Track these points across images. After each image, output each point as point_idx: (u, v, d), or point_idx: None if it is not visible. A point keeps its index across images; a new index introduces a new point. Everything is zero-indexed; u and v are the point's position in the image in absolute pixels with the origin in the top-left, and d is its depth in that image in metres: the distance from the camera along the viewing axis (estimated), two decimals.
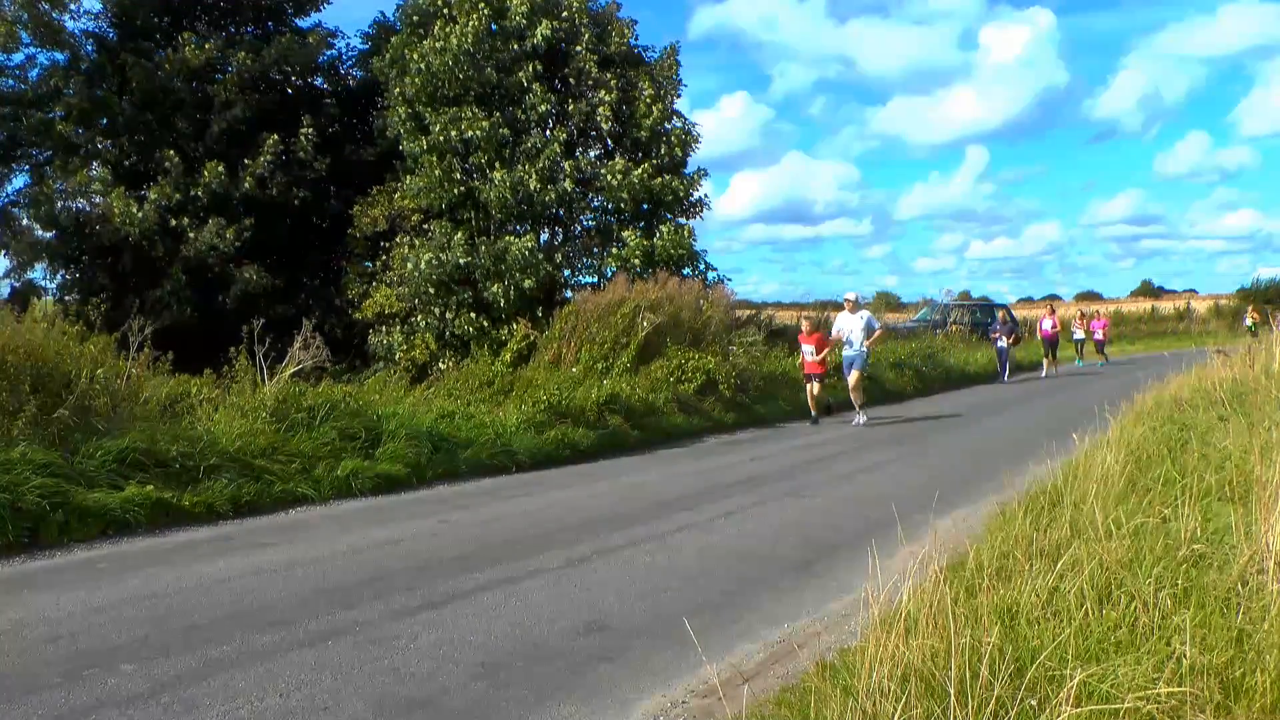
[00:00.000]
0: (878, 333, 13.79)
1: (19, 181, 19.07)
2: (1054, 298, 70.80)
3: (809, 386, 13.57)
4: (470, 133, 17.38)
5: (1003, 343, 21.97)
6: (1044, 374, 22.56)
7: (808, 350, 13.38)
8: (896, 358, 19.15)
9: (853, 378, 13.23)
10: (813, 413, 13.57)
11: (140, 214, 17.10)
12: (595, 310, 14.37)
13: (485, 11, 17.81)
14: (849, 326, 13.41)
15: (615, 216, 18.90)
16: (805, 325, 13.74)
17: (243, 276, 17.91)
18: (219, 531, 6.74)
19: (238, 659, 4.16)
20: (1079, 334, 26.10)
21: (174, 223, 17.70)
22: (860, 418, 13.30)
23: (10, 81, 18.24)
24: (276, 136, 18.42)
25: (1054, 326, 23.00)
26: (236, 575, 5.52)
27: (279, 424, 8.45)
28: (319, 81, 21.78)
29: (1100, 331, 26.52)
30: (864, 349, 13.37)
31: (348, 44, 22.14)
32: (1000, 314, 24.59)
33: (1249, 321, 32.15)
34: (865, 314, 13.59)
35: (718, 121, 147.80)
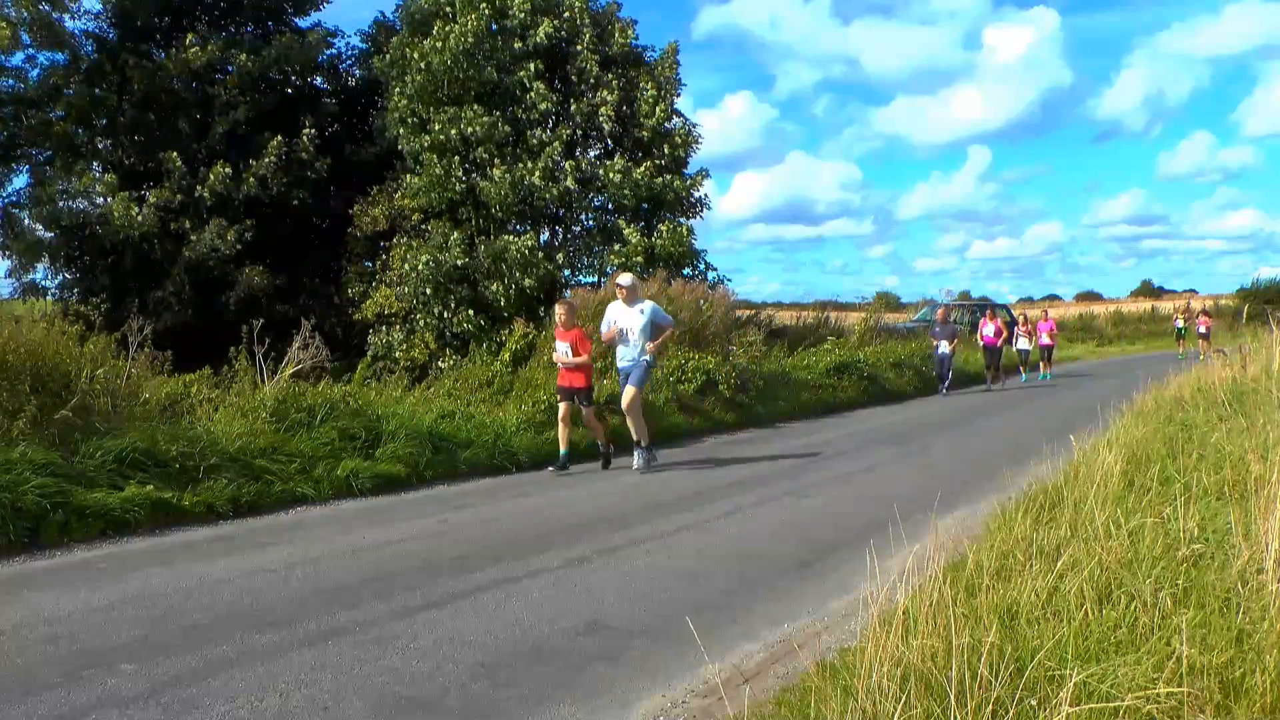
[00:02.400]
0: (667, 332, 9.76)
1: (19, 181, 19.10)
2: (1054, 298, 70.79)
3: (560, 408, 9.38)
4: (471, 129, 17.40)
5: (944, 348, 18.18)
6: (988, 385, 19.56)
7: (562, 350, 9.31)
8: (896, 358, 19.16)
9: (627, 396, 9.28)
10: (561, 450, 9.36)
11: (140, 217, 17.13)
12: (589, 308, 14.32)
13: (485, 11, 17.83)
14: (626, 322, 9.43)
15: (616, 215, 18.93)
16: (561, 313, 9.41)
17: (244, 277, 17.93)
18: (219, 531, 6.74)
19: (238, 659, 4.16)
20: (1024, 343, 22.09)
21: (174, 225, 17.72)
22: (639, 458, 9.37)
23: (10, 81, 18.26)
24: (280, 138, 18.45)
25: (998, 333, 19.67)
26: (236, 575, 5.52)
27: (279, 424, 8.45)
28: (318, 81, 21.81)
29: (1046, 335, 22.25)
30: (645, 355, 9.34)
31: (347, 44, 22.20)
32: (940, 311, 19.90)
33: (1179, 323, 29.60)
34: (648, 304, 9.54)
35: (721, 121, 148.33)
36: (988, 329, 19.84)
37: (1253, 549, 4.10)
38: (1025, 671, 2.98)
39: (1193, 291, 69.21)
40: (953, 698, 2.85)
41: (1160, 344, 35.61)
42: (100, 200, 17.65)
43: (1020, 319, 22.50)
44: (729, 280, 19.62)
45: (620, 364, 9.66)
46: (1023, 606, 3.67)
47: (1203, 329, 28.11)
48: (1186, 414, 8.91)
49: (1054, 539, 4.52)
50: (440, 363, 17.08)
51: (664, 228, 18.30)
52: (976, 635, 3.13)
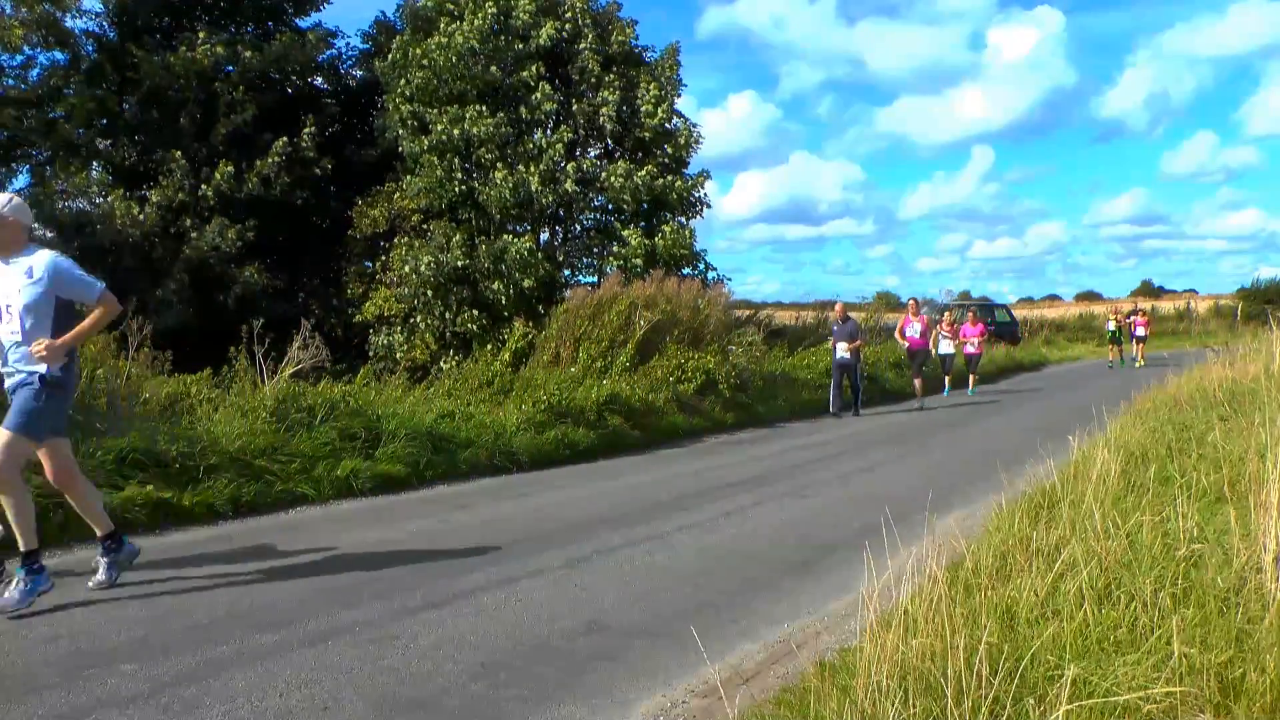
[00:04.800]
0: (94, 316, 5.04)
1: (20, 181, 19.10)
2: (1054, 298, 70.71)
3: None
4: (474, 129, 17.42)
5: (843, 352, 14.57)
6: (919, 404, 15.89)
7: None
8: (896, 357, 19.14)
9: None
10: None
11: (142, 216, 17.14)
12: (588, 308, 14.34)
13: (491, 10, 17.87)
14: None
15: (616, 216, 18.94)
16: None
17: (244, 277, 17.94)
18: (219, 531, 6.74)
19: (238, 659, 4.17)
20: (947, 346, 18.07)
21: (176, 224, 17.72)
22: (103, 566, 5.22)
23: (10, 81, 18.29)
24: (285, 139, 18.47)
25: (924, 334, 16.22)
26: (236, 575, 5.52)
27: (279, 424, 8.46)
28: (319, 82, 21.82)
29: (974, 343, 18.28)
30: (37, 364, 4.84)
31: (347, 44, 22.20)
32: (838, 307, 15.86)
33: (1111, 326, 25.81)
34: (42, 258, 5.02)
35: (725, 121, 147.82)
36: (911, 328, 16.23)
37: (1251, 549, 4.10)
38: (1024, 671, 2.98)
39: (1193, 291, 69.12)
40: (950, 697, 2.85)
41: (1160, 343, 35.59)
42: (99, 200, 17.65)
43: (943, 318, 18.52)
44: (728, 280, 19.64)
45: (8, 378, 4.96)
46: (1022, 606, 3.68)
47: (1140, 331, 25.48)
48: (1185, 414, 8.92)
49: (1053, 539, 4.53)
50: (442, 363, 17.09)
51: (666, 229, 18.32)
52: (975, 635, 3.13)
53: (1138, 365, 24.18)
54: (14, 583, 4.86)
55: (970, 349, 18.26)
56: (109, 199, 17.38)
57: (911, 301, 17.80)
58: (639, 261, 17.61)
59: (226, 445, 7.77)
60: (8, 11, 16.92)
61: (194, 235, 17.60)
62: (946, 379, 18.15)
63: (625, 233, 18.23)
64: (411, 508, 7.73)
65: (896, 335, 17.07)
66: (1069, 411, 12.17)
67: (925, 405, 15.79)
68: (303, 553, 6.08)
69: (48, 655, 4.19)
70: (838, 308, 15.84)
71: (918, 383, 16.21)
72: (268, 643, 4.37)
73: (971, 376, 18.43)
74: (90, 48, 18.86)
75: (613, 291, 14.64)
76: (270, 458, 7.94)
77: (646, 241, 18.04)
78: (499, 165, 17.63)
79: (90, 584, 5.21)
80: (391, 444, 8.81)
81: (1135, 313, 26.44)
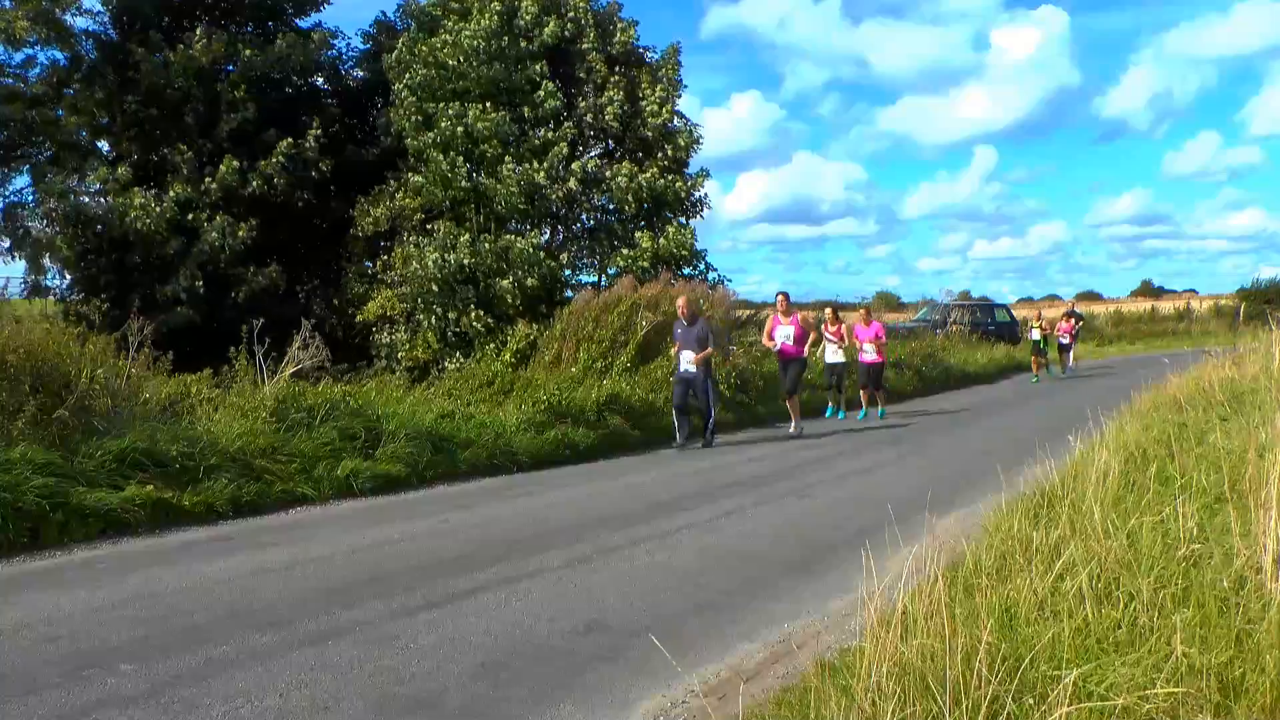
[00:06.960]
0: None
1: (21, 180, 19.14)
2: (1054, 298, 70.55)
3: None
4: (479, 125, 17.46)
5: (687, 363, 11.09)
6: (794, 429, 12.27)
7: None
8: (897, 357, 19.11)
9: None
10: None
11: (159, 208, 17.18)
12: (593, 310, 14.37)
13: (497, 8, 17.94)
14: None
15: (617, 216, 18.95)
16: None
17: (250, 275, 17.97)
18: (219, 531, 6.74)
19: (238, 659, 4.17)
20: (834, 354, 13.76)
21: (189, 223, 17.74)
22: None
23: (10, 80, 18.31)
24: (290, 139, 18.50)
25: (799, 339, 12.34)
26: (236, 575, 5.52)
27: (279, 424, 8.46)
28: (319, 82, 21.82)
29: (872, 348, 13.86)
30: None
31: (348, 44, 22.18)
32: (680, 302, 11.89)
33: (1035, 334, 21.44)
34: None
35: (728, 121, 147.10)
36: (781, 331, 12.36)
37: (1251, 549, 4.10)
38: (1023, 671, 2.98)
39: (1193, 291, 69.01)
40: (948, 697, 2.85)
41: (1160, 344, 35.59)
42: (103, 200, 17.67)
43: (827, 319, 14.03)
44: (729, 280, 19.64)
45: None
46: (1021, 606, 3.68)
47: (1065, 339, 22.84)
48: (1185, 414, 8.92)
49: (1053, 539, 4.53)
50: (447, 363, 17.08)
51: (670, 229, 18.34)
52: (975, 635, 3.13)
53: (1060, 375, 22.16)
54: None
55: (867, 356, 13.89)
56: (119, 198, 17.38)
57: (780, 298, 12.84)
58: (646, 263, 17.62)
59: (226, 445, 7.78)
60: (8, 5, 16.95)
61: (205, 227, 17.67)
62: (831, 396, 14.08)
63: (638, 235, 18.23)
64: (411, 508, 7.73)
65: (764, 340, 12.99)
66: (1069, 411, 12.17)
67: (803, 432, 12.30)
68: (303, 553, 6.08)
69: (48, 655, 4.19)
70: (680, 303, 11.83)
71: (790, 402, 12.43)
72: (268, 643, 4.37)
73: (875, 393, 14.14)
74: (90, 48, 18.88)
75: (616, 293, 14.68)
76: (270, 458, 7.94)
77: (655, 244, 18.07)
78: (507, 159, 17.66)
79: None
80: (391, 444, 8.81)
81: (1069, 316, 23.56)
